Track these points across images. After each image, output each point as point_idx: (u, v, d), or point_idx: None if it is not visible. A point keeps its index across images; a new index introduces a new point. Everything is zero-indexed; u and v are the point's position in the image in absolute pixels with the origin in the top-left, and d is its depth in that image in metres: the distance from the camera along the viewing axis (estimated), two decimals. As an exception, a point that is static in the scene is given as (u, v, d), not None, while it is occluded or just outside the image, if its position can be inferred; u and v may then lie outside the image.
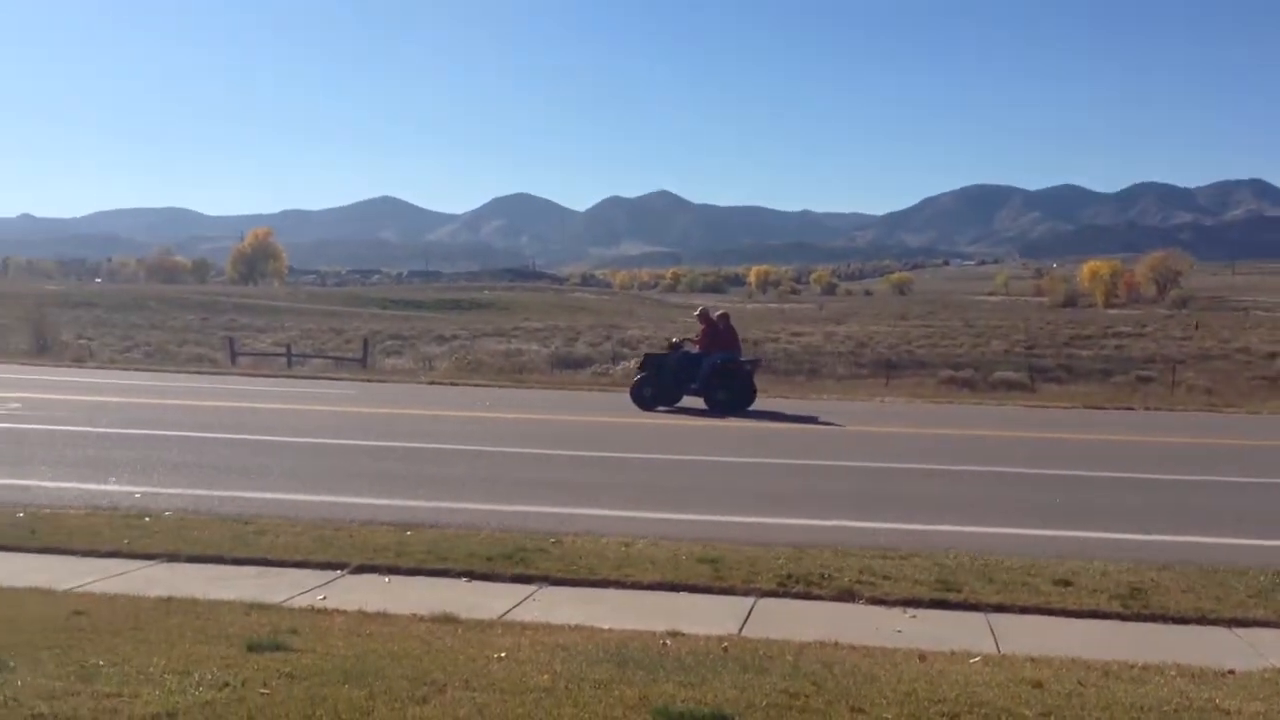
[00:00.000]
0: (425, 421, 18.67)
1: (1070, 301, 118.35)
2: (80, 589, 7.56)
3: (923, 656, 6.13)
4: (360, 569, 8.37)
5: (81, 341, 41.84)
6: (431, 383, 28.21)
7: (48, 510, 10.16)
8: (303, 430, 16.68)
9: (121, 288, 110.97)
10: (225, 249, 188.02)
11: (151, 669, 4.90)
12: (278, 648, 5.53)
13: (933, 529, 10.20)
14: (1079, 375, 35.66)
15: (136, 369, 31.66)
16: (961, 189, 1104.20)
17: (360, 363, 35.15)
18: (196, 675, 4.79)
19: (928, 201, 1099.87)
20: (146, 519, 9.82)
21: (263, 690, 4.61)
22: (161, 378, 27.67)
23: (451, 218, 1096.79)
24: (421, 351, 42.04)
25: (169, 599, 7.12)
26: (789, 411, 21.42)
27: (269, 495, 11.23)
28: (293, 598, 7.52)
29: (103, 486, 11.53)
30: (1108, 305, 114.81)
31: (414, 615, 6.90)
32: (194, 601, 7.08)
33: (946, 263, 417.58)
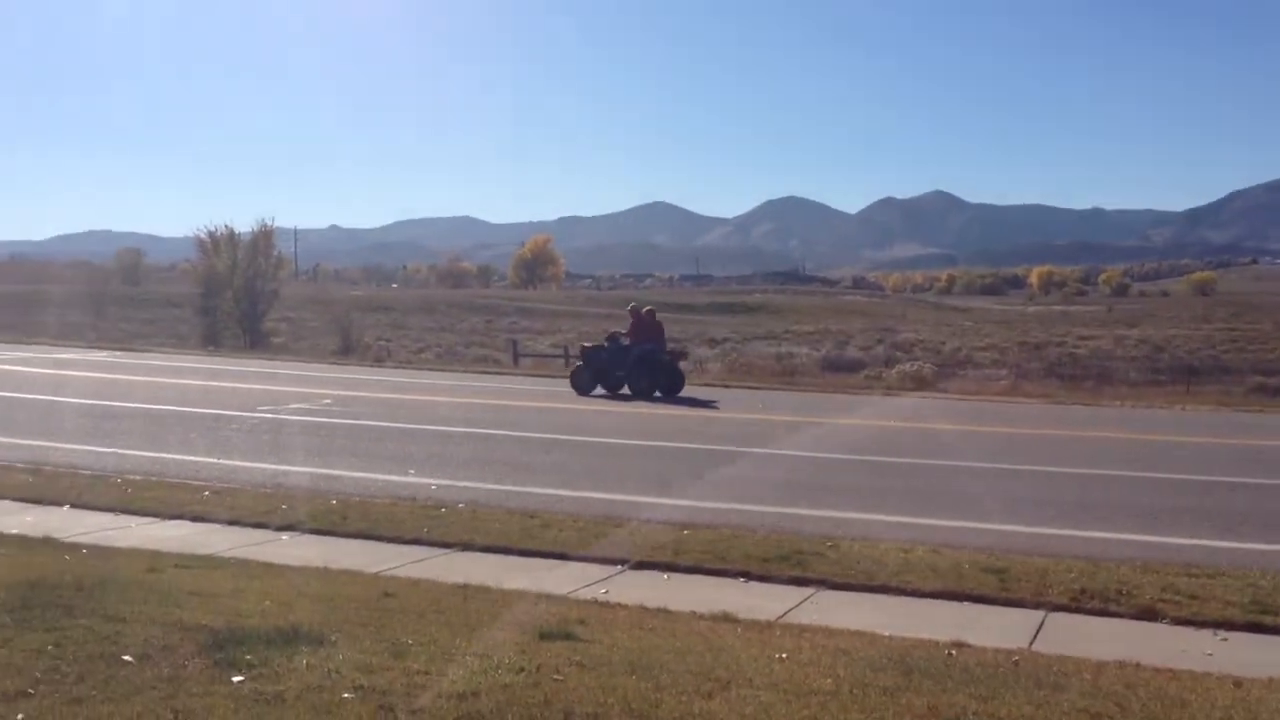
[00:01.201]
0: (697, 423, 18.91)
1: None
2: (387, 572, 8.14)
3: (1238, 683, 5.66)
4: (640, 565, 8.59)
5: (381, 343, 44.97)
6: (704, 384, 28.52)
7: (356, 499, 10.99)
8: (581, 429, 17.26)
9: (415, 293, 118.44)
10: (507, 255, 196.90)
11: (454, 650, 5.19)
12: (567, 637, 5.73)
13: (1243, 547, 9.41)
14: None
15: (429, 369, 33.67)
16: (1274, 181, 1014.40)
17: (635, 364, 35.97)
18: (495, 659, 5.03)
19: (1235, 195, 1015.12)
20: (442, 509, 10.44)
21: (556, 677, 4.79)
22: (451, 377, 29.29)
23: (722, 221, 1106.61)
24: (693, 354, 42.60)
25: (465, 585, 7.54)
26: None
27: (552, 491, 11.68)
28: (577, 590, 7.79)
29: (403, 478, 12.35)
30: None
31: (694, 612, 6.99)
32: (488, 589, 7.47)
33: (1255, 261, 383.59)
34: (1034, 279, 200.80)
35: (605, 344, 24.26)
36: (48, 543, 8.66)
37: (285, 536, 9.49)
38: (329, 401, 20.44)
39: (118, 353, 35.00)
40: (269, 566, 8.06)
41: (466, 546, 9.16)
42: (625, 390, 23.53)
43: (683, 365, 25.45)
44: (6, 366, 27.46)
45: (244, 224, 47.26)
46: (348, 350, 40.16)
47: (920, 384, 28.33)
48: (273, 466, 13.06)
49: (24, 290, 62.37)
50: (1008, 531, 9.94)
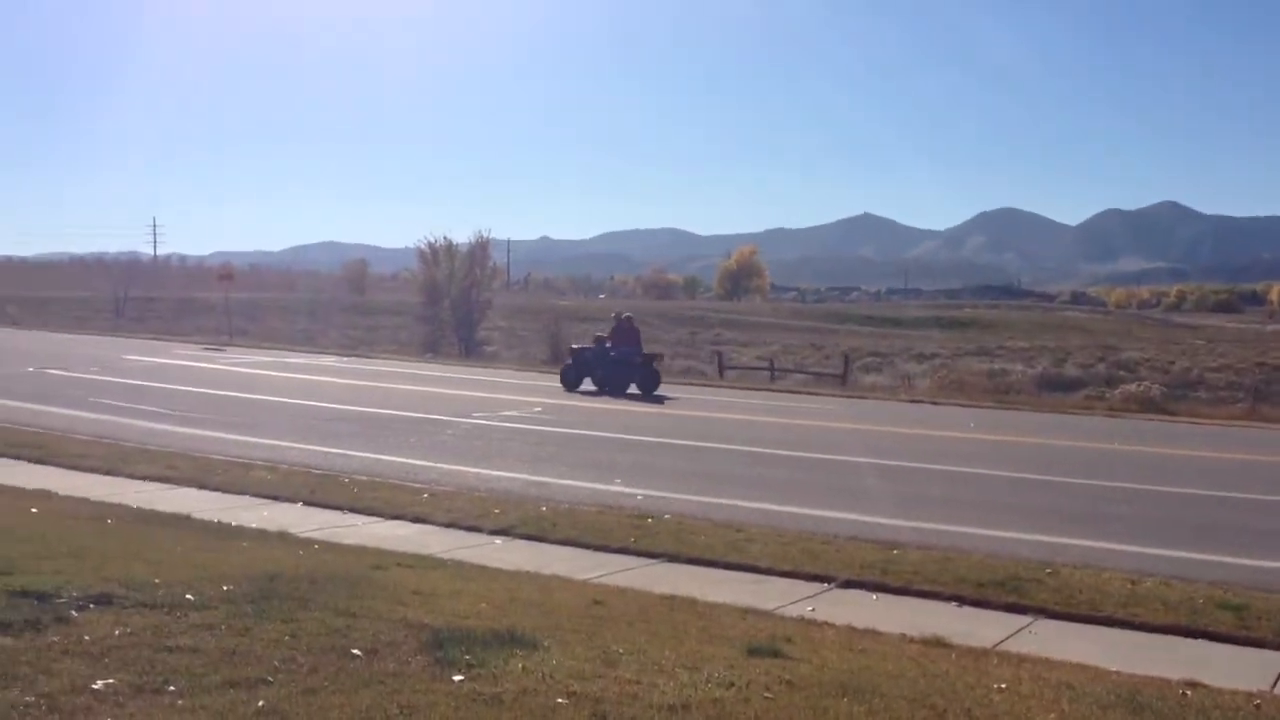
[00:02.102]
0: (907, 440, 18.49)
1: None
2: (595, 580, 8.28)
3: None
4: (847, 584, 8.46)
5: (588, 353, 45.77)
6: (912, 400, 27.90)
7: (565, 506, 11.24)
8: (787, 443, 17.14)
9: (621, 303, 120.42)
10: (713, 266, 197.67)
11: (663, 661, 5.21)
12: (775, 654, 5.68)
13: None
14: None
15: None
16: None
17: (840, 379, 35.51)
18: (704, 672, 5.02)
19: None
20: (648, 520, 10.55)
21: (766, 694, 4.75)
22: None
23: (932, 234, 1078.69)
24: (901, 369, 41.75)
25: (672, 596, 7.59)
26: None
27: (757, 505, 11.64)
28: (783, 606, 7.73)
29: (609, 487, 12.55)
30: None
31: (904, 635, 6.83)
32: (694, 601, 7.49)
33: None
34: (1274, 295, 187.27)
35: (591, 346, 27.03)
36: (283, 537, 9.22)
37: (498, 540, 9.79)
38: (539, 409, 20.98)
39: (344, 358, 36.94)
40: (484, 569, 8.32)
41: (672, 558, 9.22)
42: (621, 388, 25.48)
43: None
44: (247, 370, 29.43)
45: (461, 235, 48.89)
46: (557, 359, 41.03)
47: (1146, 406, 26.83)
48: (486, 471, 13.50)
49: (261, 298, 66.83)
50: (1246, 566, 9.30)
